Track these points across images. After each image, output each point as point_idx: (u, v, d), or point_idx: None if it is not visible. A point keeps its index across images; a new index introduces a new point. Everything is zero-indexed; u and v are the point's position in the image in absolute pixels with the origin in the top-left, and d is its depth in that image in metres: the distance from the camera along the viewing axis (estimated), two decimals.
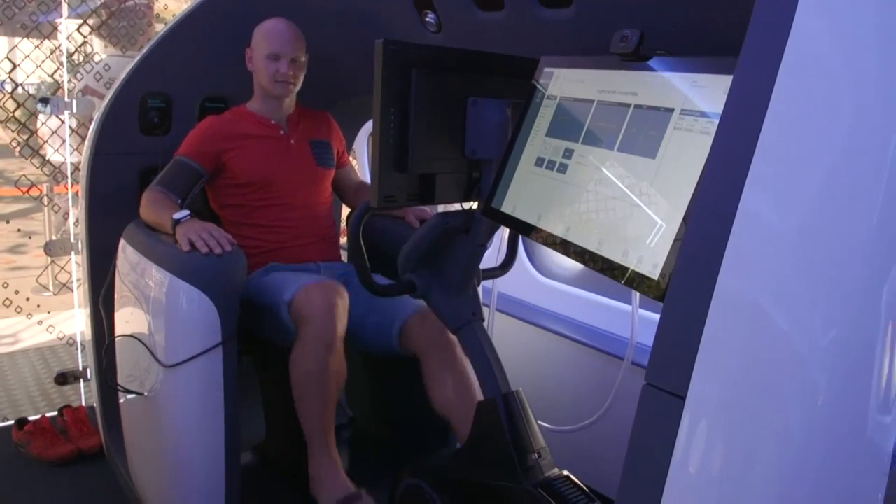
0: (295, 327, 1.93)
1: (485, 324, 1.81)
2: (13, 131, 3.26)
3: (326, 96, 2.51)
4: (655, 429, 0.84)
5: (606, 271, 1.12)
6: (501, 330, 2.66)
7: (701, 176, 0.95)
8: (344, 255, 2.47)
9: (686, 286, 0.84)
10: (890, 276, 0.80)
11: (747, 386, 0.80)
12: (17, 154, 3.37)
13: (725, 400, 0.81)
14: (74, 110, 3.11)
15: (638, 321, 2.11)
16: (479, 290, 1.88)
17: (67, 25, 3.50)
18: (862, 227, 0.80)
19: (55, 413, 3.02)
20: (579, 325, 2.62)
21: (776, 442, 0.80)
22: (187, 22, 2.36)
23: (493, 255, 2.24)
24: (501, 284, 2.57)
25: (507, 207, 1.43)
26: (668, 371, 0.83)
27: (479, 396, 1.80)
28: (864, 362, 0.80)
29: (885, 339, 0.80)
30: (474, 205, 1.69)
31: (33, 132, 3.39)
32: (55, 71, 3.29)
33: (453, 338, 1.99)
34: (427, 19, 1.91)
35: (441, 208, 2.11)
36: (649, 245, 1.05)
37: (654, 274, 1.03)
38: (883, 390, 0.81)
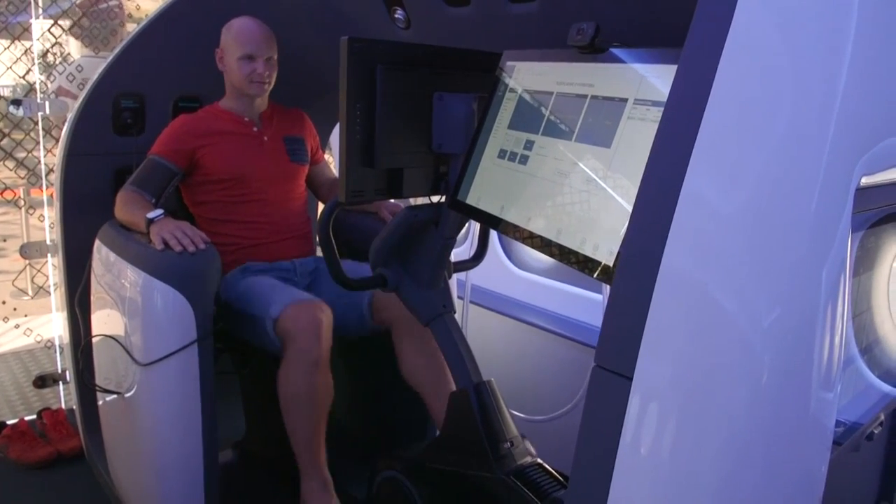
0: (281, 343, 1.94)
1: (458, 316, 1.83)
2: None
3: (301, 94, 2.51)
4: (604, 410, 0.86)
5: (565, 259, 1.14)
6: (477, 322, 2.68)
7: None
8: (318, 251, 2.48)
9: (631, 268, 0.86)
10: (829, 256, 0.83)
11: (693, 365, 0.82)
12: None
13: (672, 380, 0.83)
14: (47, 112, 3.08)
15: None
16: (454, 282, 1.90)
17: (40, 26, 3.47)
18: (801, 210, 0.82)
19: (34, 416, 3.01)
20: (553, 316, 2.65)
21: (722, 419, 0.82)
22: (159, 22, 2.36)
23: (468, 248, 2.25)
24: (476, 277, 2.59)
25: (472, 200, 1.45)
26: (615, 352, 0.85)
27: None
28: (806, 341, 0.83)
29: (826, 318, 0.83)
30: (443, 198, 1.71)
31: (6, 134, 3.36)
32: (27, 72, 3.27)
33: None
34: (396, 16, 1.93)
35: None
36: (605, 232, 1.07)
37: (610, 261, 1.05)
38: (824, 368, 0.84)
